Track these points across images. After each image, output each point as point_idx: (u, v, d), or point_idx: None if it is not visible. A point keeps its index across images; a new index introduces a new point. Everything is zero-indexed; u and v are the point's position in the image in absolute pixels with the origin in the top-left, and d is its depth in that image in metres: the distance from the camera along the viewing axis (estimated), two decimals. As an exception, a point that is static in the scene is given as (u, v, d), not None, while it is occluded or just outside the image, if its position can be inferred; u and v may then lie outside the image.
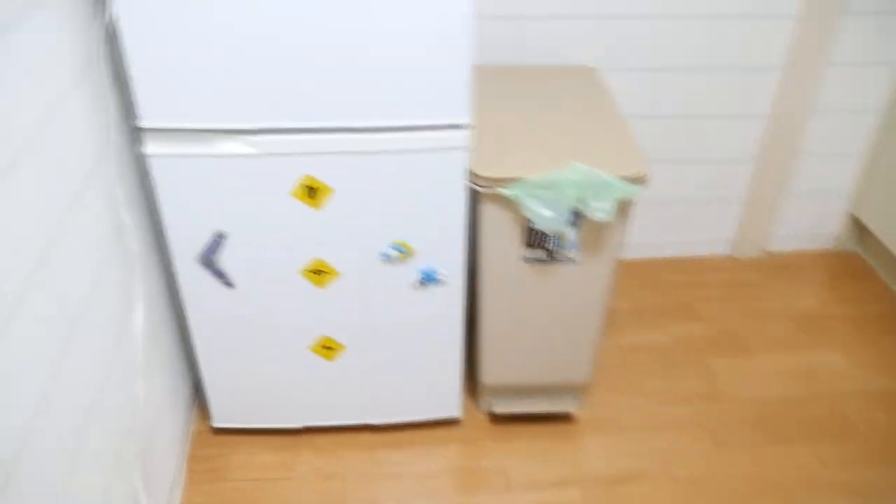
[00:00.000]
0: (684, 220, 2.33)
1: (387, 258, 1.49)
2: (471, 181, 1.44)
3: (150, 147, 1.34)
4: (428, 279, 1.52)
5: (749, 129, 2.17)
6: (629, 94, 2.02)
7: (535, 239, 1.52)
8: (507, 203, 1.46)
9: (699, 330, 2.12)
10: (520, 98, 1.73)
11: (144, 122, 1.31)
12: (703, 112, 2.11)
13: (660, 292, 2.25)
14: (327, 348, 1.61)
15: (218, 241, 1.44)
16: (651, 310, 2.18)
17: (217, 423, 1.75)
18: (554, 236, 1.52)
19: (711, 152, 2.19)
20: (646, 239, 2.32)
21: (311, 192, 1.39)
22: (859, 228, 2.38)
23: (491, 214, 1.49)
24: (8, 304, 0.95)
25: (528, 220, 1.47)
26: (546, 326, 1.68)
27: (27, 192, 1.02)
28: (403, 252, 1.48)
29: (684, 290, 2.26)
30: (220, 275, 1.49)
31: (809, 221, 2.39)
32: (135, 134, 1.41)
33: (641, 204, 1.66)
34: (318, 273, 1.50)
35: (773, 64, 2.06)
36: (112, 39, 1.28)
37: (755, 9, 1.95)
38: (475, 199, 1.48)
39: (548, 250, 1.54)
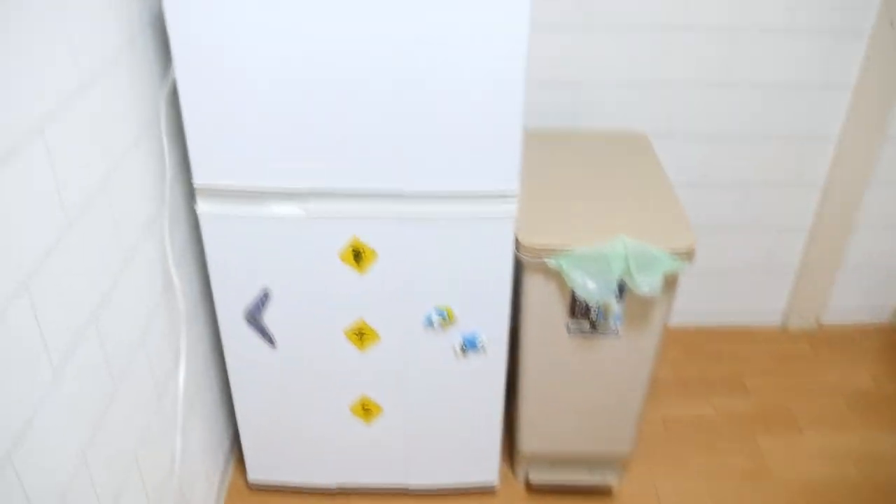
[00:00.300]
0: (734, 289, 2.28)
1: (429, 323, 1.48)
2: (516, 250, 1.44)
3: (202, 206, 1.37)
4: (470, 346, 1.51)
5: (803, 199, 2.13)
6: (680, 161, 2.00)
7: (579, 309, 1.50)
8: (552, 273, 1.45)
9: (747, 404, 2.06)
10: (568, 164, 1.73)
11: (198, 181, 1.35)
12: (755, 180, 2.08)
13: (707, 363, 2.19)
14: (366, 409, 1.61)
15: (263, 299, 1.46)
16: (697, 381, 2.13)
17: (253, 478, 1.75)
18: (598, 308, 1.50)
19: (763, 221, 2.15)
20: (694, 306, 2.27)
21: (357, 255, 1.40)
22: (918, 304, 2.31)
23: (535, 283, 1.48)
24: (56, 360, 0.97)
25: (573, 291, 1.46)
26: (587, 397, 1.65)
27: (85, 249, 1.05)
28: (446, 318, 1.48)
29: (732, 362, 2.20)
30: (263, 332, 1.50)
31: (865, 294, 2.32)
32: (188, 192, 1.44)
33: (690, 271, 1.64)
34: (360, 335, 1.50)
35: (828, 134, 2.03)
36: (173, 100, 1.32)
37: (811, 78, 1.93)
38: (519, 266, 1.47)
39: (591, 321, 1.52)
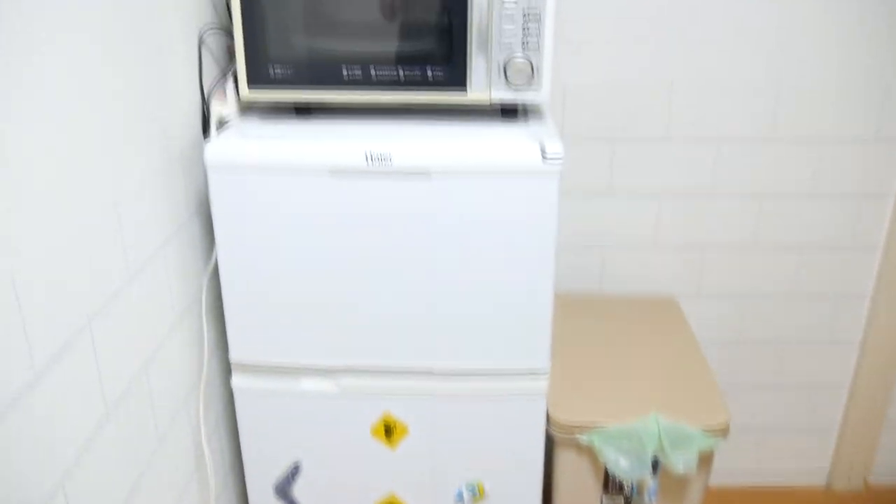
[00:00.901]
0: (775, 448, 2.21)
1: (460, 499, 1.46)
2: (547, 426, 1.43)
3: (237, 380, 1.40)
4: (501, 522, 1.48)
5: (840, 356, 2.10)
6: (712, 320, 2.00)
7: (613, 485, 1.47)
8: (584, 448, 1.43)
9: (794, 576, 1.96)
10: (596, 331, 1.74)
11: (234, 357, 1.38)
12: (790, 338, 2.06)
13: (749, 528, 2.11)
14: (394, 586, 1.56)
15: (294, 472, 1.46)
16: (740, 548, 2.04)
17: None
18: (632, 483, 1.46)
19: (801, 379, 2.12)
20: (733, 465, 2.20)
21: (388, 430, 1.41)
22: (970, 465, 2.21)
23: (567, 458, 1.46)
24: (85, 561, 0.97)
25: (606, 466, 1.44)
26: (625, 575, 1.59)
27: (122, 435, 1.07)
28: (476, 493, 1.45)
29: (777, 527, 2.11)
30: (292, 505, 1.49)
31: (913, 452, 2.23)
32: (224, 367, 1.48)
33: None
34: (390, 510, 1.48)
35: (862, 292, 2.02)
36: (213, 277, 1.38)
37: (840, 239, 1.95)
38: (551, 441, 1.46)
39: (626, 497, 1.48)
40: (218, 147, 1.24)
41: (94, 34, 0.99)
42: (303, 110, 1.40)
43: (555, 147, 1.20)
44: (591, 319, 1.78)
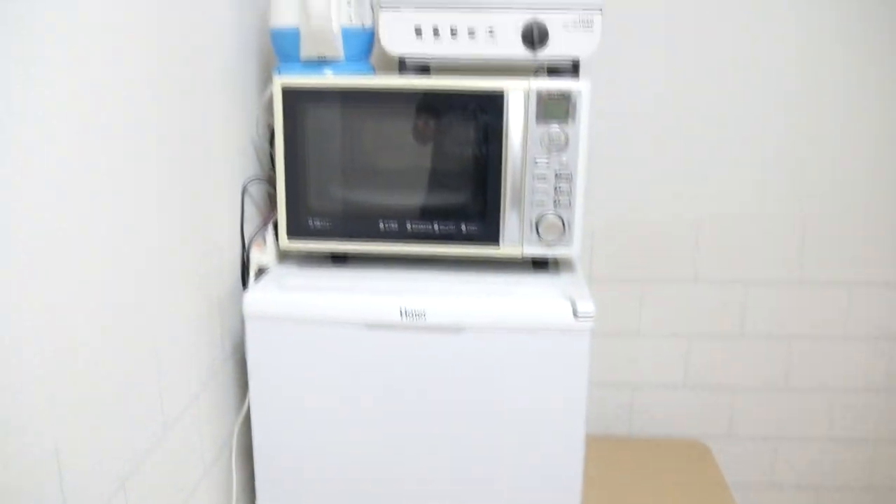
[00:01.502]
0: None
1: None
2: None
3: (263, 531, 1.38)
4: None
5: (880, 501, 2.03)
6: (744, 463, 1.96)
7: None
8: None
9: None
10: (626, 478, 1.70)
11: (261, 507, 1.37)
12: (825, 483, 2.01)
13: None
14: None
15: None
16: None
17: None
18: None
19: (838, 526, 2.05)
20: None
21: (413, 585, 1.37)
22: None
23: None
24: None
25: None
26: None
27: None
28: None
29: None
30: None
31: None
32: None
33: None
34: None
35: (899, 435, 1.98)
36: (244, 423, 1.38)
37: (874, 381, 1.92)
38: None
39: None
40: (256, 297, 1.27)
41: (150, 184, 1.04)
42: (339, 258, 1.44)
43: (586, 306, 1.22)
44: (620, 465, 1.75)
